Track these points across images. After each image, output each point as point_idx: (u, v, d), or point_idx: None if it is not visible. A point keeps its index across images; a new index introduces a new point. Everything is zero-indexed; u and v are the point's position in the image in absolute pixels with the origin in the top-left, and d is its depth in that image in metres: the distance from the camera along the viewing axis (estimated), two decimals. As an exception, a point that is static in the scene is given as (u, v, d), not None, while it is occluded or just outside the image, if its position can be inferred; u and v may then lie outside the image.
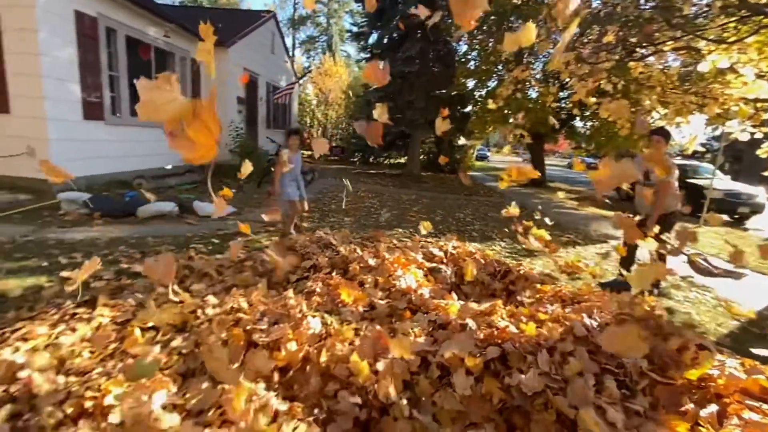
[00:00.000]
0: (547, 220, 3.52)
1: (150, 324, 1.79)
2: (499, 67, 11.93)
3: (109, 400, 1.31)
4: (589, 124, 13.72)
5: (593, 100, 4.28)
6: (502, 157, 43.57)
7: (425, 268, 2.67)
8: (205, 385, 1.42)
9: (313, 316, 1.82)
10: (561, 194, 12.39)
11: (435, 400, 1.40)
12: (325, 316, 1.89)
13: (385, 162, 18.94)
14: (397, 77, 13.02)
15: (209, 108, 0.91)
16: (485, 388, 1.41)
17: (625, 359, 1.41)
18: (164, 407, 1.31)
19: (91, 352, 1.61)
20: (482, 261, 2.82)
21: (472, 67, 12.93)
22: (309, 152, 11.83)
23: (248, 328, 1.74)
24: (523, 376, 1.34)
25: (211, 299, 2.02)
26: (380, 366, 1.49)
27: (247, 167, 1.76)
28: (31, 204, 4.91)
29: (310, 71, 18.45)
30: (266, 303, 2.00)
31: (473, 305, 1.93)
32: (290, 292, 2.16)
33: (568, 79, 4.29)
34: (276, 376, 1.54)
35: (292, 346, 1.62)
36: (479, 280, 2.60)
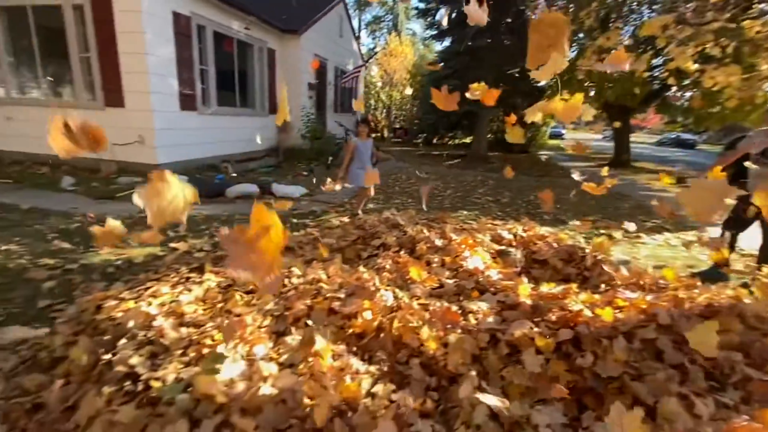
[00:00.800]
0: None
1: (249, 288, 2.07)
2: (580, 36, 10.83)
3: (221, 349, 1.58)
4: (688, 94, 11.97)
5: (695, 67, 3.75)
6: (580, 135, 39.94)
7: (493, 251, 2.67)
8: (295, 342, 1.63)
9: (386, 290, 1.96)
10: (666, 179, 11.11)
11: (503, 375, 1.45)
12: (396, 290, 2.01)
13: (450, 142, 18.53)
14: (465, 53, 12.54)
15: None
16: (554, 368, 1.43)
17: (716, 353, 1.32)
18: (263, 358, 1.55)
19: (204, 310, 1.92)
20: (555, 245, 2.73)
21: (549, 38, 11.92)
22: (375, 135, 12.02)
23: (328, 296, 1.94)
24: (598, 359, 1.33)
25: (295, 270, 2.26)
26: (450, 339, 1.58)
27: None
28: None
29: (376, 53, 18.51)
30: (342, 276, 2.19)
31: (545, 288, 1.92)
32: (362, 268, 2.33)
33: (664, 45, 3.78)
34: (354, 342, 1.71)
35: (368, 315, 1.77)
36: (551, 264, 2.53)
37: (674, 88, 11.44)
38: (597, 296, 1.86)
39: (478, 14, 1.18)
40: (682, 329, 1.35)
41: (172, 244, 3.51)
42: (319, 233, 3.41)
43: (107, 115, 6.28)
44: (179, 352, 1.57)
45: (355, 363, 1.51)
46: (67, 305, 2.38)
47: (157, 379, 1.39)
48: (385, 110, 20.38)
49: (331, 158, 8.95)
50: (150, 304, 1.89)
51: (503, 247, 2.77)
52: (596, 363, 1.35)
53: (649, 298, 1.66)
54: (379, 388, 1.39)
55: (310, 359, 1.51)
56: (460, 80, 12.58)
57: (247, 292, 2.12)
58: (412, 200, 6.18)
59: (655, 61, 10.04)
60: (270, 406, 1.21)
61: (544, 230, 3.25)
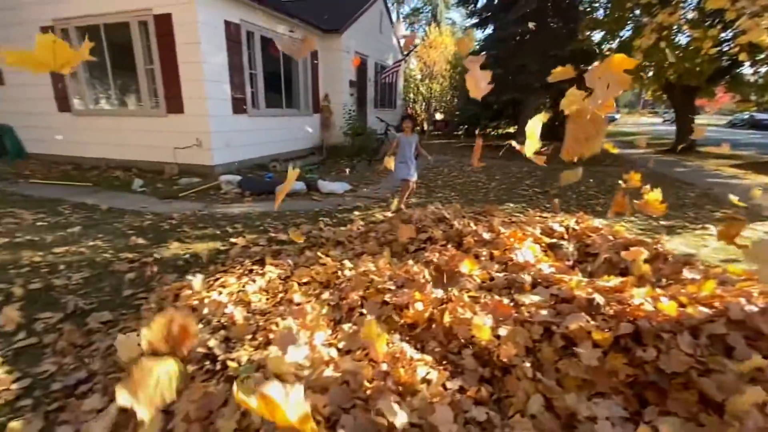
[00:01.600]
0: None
1: (304, 280, 2.21)
2: (637, 13, 10.05)
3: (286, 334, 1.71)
4: (763, 69, 10.71)
5: (773, 39, 3.37)
6: (636, 119, 37.08)
7: (543, 244, 2.62)
8: (351, 330, 1.73)
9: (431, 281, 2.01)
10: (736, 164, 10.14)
11: (559, 367, 1.45)
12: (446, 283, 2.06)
13: (493, 133, 18.00)
14: (508, 40, 12.10)
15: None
16: (612, 362, 1.41)
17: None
18: (323, 344, 1.67)
19: (267, 299, 2.09)
20: (610, 237, 2.62)
21: (601, 17, 11.17)
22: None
23: (380, 287, 2.03)
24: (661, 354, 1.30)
25: (347, 263, 2.37)
26: (502, 331, 1.60)
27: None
28: (201, 185, 6.22)
29: (415, 46, 18.36)
30: (391, 269, 2.27)
31: (601, 282, 1.87)
32: (411, 261, 2.39)
33: (734, 18, 3.44)
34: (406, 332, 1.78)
35: (419, 306, 1.83)
36: (607, 257, 2.44)
37: (747, 64, 10.30)
38: (658, 290, 1.78)
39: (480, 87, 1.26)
40: (759, 325, 1.27)
41: (232, 239, 3.79)
42: (366, 228, 3.52)
43: (169, 121, 6.83)
44: (249, 336, 1.73)
45: (409, 351, 1.58)
46: (147, 294, 2.68)
47: (232, 359, 1.56)
48: (424, 103, 20.19)
49: (370, 158, 9.10)
50: (220, 293, 2.09)
51: (554, 240, 2.70)
52: (659, 357, 1.31)
53: (718, 292, 1.57)
54: (433, 376, 1.45)
55: (367, 346, 1.61)
56: (504, 68, 12.19)
57: (304, 283, 2.26)
58: (456, 194, 6.13)
59: (724, 35, 9.07)
60: (335, 387, 1.31)
61: (597, 222, 3.12)
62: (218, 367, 1.56)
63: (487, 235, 2.66)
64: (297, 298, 2.08)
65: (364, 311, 1.93)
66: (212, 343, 1.68)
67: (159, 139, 6.99)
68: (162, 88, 6.69)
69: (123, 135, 7.30)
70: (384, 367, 1.48)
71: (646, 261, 2.45)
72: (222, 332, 1.82)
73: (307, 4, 11.79)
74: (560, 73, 1.48)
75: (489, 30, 14.21)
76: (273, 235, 3.97)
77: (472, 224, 2.90)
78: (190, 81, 6.48)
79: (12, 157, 8.13)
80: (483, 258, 2.45)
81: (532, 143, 1.38)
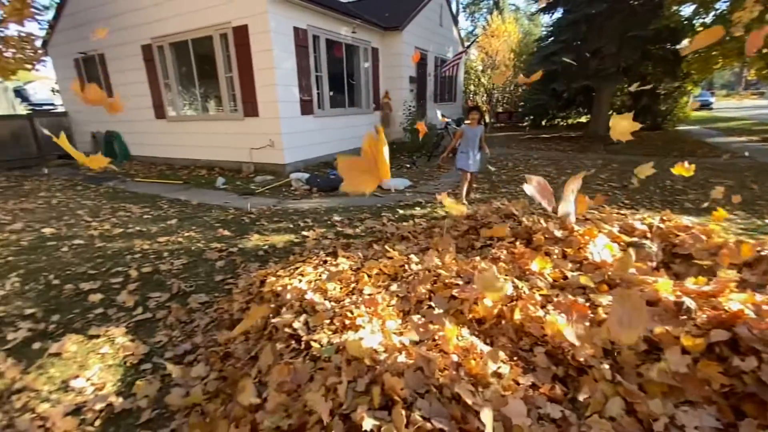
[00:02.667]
0: None
1: (374, 272, 2.34)
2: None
3: (359, 321, 1.84)
4: None
5: None
6: (736, 103, 32.26)
7: (623, 243, 2.46)
8: (421, 321, 1.81)
9: (504, 279, 2.00)
10: None
11: (641, 372, 1.39)
12: (515, 280, 2.04)
13: (561, 123, 16.87)
14: (580, 23, 11.26)
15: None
16: (704, 370, 1.31)
17: None
18: (394, 333, 1.76)
19: (341, 288, 2.24)
20: (703, 237, 2.38)
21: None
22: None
23: (447, 282, 2.07)
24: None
25: (413, 257, 2.45)
26: (578, 330, 1.56)
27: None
28: (274, 183, 6.72)
29: (476, 37, 17.79)
30: (458, 264, 2.30)
31: (692, 285, 1.73)
32: (478, 258, 2.40)
33: None
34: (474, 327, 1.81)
35: (488, 302, 1.85)
36: (697, 258, 2.23)
37: None
38: (760, 297, 1.60)
39: None
40: None
41: (304, 233, 4.08)
42: (429, 223, 3.57)
43: (246, 124, 7.46)
44: (327, 321, 1.89)
45: (480, 345, 1.61)
46: (236, 279, 3.01)
47: (315, 341, 1.72)
48: (486, 94, 19.53)
49: (429, 154, 9.08)
50: (300, 281, 2.29)
51: (635, 239, 2.52)
52: (761, 368, 1.20)
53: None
54: (505, 370, 1.47)
55: (437, 337, 1.67)
56: (575, 53, 11.36)
57: (374, 275, 2.39)
58: (522, 189, 5.90)
59: None
60: (409, 372, 1.40)
61: (687, 220, 2.83)
62: (302, 346, 1.74)
63: (558, 233, 2.57)
64: (367, 289, 2.20)
65: (432, 304, 1.99)
66: (296, 325, 1.86)
67: (237, 140, 7.67)
68: (240, 94, 7.31)
69: (207, 138, 8.12)
70: (455, 358, 1.53)
71: (746, 264, 2.20)
72: (304, 316, 2.00)
73: (368, 4, 12.02)
74: (705, 36, 1.23)
75: (558, 14, 13.28)
76: (340, 229, 4.19)
77: (542, 221, 2.81)
78: (264, 86, 7.01)
79: (120, 159, 9.47)
80: (555, 256, 2.37)
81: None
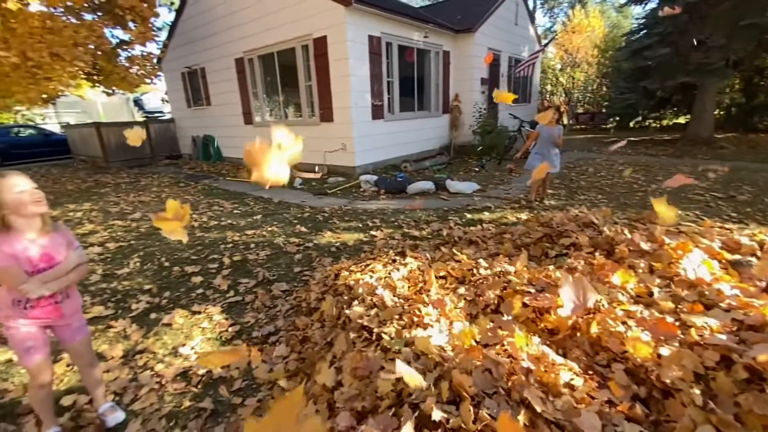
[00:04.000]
0: None
1: (441, 274, 2.39)
2: None
3: (426, 320, 1.91)
4: None
5: None
6: None
7: (724, 260, 2.19)
8: (489, 326, 1.82)
9: (582, 289, 1.92)
10: None
11: (739, 401, 1.26)
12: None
13: (654, 125, 15.16)
14: (681, 12, 10.02)
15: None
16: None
17: None
18: (462, 334, 1.80)
19: (409, 287, 2.33)
20: (833, 259, 2.02)
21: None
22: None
23: (518, 289, 2.05)
24: None
25: (482, 262, 2.45)
26: (664, 351, 1.46)
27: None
28: (345, 184, 7.06)
29: (555, 34, 16.77)
30: (530, 272, 2.25)
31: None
32: (552, 266, 2.32)
33: None
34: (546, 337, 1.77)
35: (561, 312, 1.79)
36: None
37: None
38: None
39: None
40: None
41: (372, 232, 4.26)
42: (499, 229, 3.50)
43: (321, 128, 7.95)
44: (396, 316, 1.99)
45: (552, 354, 1.58)
46: (312, 272, 3.27)
47: (385, 333, 1.83)
48: (565, 94, 18.29)
49: (500, 157, 8.80)
50: (371, 277, 2.43)
51: (739, 257, 2.23)
52: None
53: None
54: (578, 382, 1.43)
55: (506, 342, 1.67)
56: (673, 47, 10.18)
57: (441, 277, 2.44)
58: (604, 196, 5.47)
59: None
60: (477, 373, 1.43)
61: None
62: (373, 337, 1.85)
63: (646, 245, 2.37)
64: (434, 290, 2.26)
65: (501, 310, 1.98)
66: (367, 317, 1.99)
67: (313, 144, 8.20)
68: (317, 101, 7.82)
69: (286, 141, 8.80)
70: (525, 364, 1.52)
71: None
72: (374, 310, 2.13)
73: (440, 7, 12.01)
74: None
75: (652, 3, 11.98)
76: (406, 230, 4.29)
77: (626, 232, 2.62)
78: (339, 93, 7.41)
79: (214, 160, 10.69)
80: (640, 270, 2.20)
81: None
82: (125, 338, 2.49)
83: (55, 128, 17.13)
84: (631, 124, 14.79)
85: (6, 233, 1.47)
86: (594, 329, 1.69)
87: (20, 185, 1.46)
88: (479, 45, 9.94)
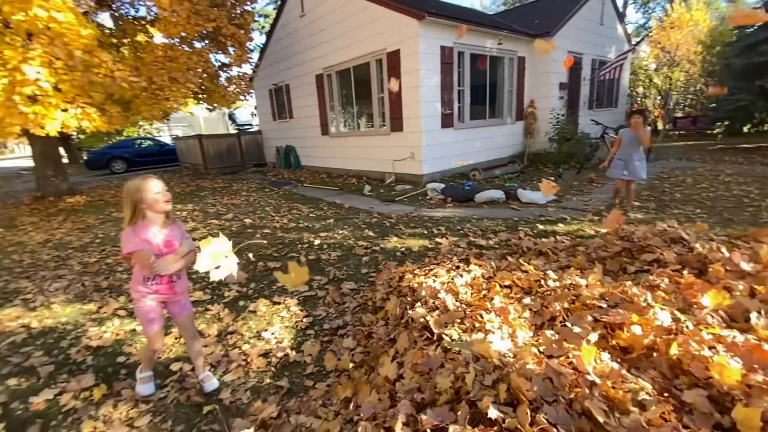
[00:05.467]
0: None
1: (506, 283, 2.38)
2: None
3: (488, 326, 1.93)
4: None
5: None
6: None
7: None
8: (554, 337, 1.79)
9: (661, 309, 1.79)
10: None
11: None
12: (676, 312, 1.80)
13: (774, 130, 12.85)
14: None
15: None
16: None
17: None
18: (525, 343, 1.79)
19: (472, 293, 2.36)
20: None
21: None
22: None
23: (588, 303, 1.97)
24: None
25: (551, 273, 2.38)
26: (758, 378, 1.32)
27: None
28: (412, 192, 7.21)
29: (649, 31, 15.20)
30: (604, 286, 2.14)
31: None
32: (629, 282, 2.18)
33: None
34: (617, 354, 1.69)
35: (637, 330, 1.70)
36: None
37: None
38: None
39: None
40: None
41: (437, 239, 4.32)
42: (573, 241, 3.33)
43: (391, 138, 8.23)
44: (458, 320, 2.04)
45: (622, 371, 1.51)
46: (377, 274, 3.44)
47: (446, 334, 1.89)
48: (660, 97, 16.41)
49: (580, 166, 8.22)
50: (434, 281, 2.51)
51: None
52: None
53: None
54: (650, 402, 1.36)
55: (572, 355, 1.63)
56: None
57: (506, 286, 2.42)
58: (703, 211, 4.85)
59: None
60: (537, 380, 1.44)
61: None
62: (434, 338, 1.93)
63: (747, 266, 2.10)
64: (498, 298, 2.26)
65: (568, 324, 1.92)
66: (429, 318, 2.08)
67: (382, 153, 8.52)
68: (388, 111, 8.13)
69: (358, 150, 9.28)
70: (591, 377, 1.48)
71: None
72: (436, 312, 2.20)
73: (515, 13, 11.67)
74: None
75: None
76: (472, 239, 4.27)
77: (723, 250, 2.34)
78: (409, 104, 7.63)
79: (294, 168, 11.62)
80: (738, 293, 1.96)
81: None
82: (219, 320, 2.89)
83: (167, 139, 20.14)
84: (745, 129, 12.69)
85: (141, 224, 1.86)
86: (674, 350, 1.57)
87: (157, 187, 1.84)
88: (558, 49, 9.46)
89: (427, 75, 7.41)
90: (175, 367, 2.36)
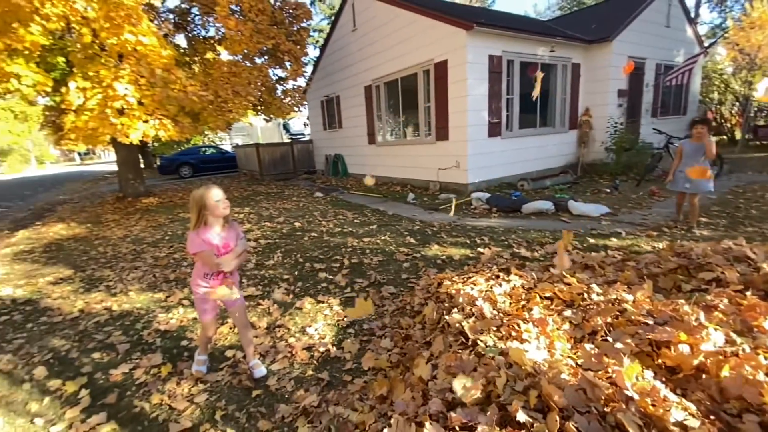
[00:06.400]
0: None
1: (546, 294, 2.35)
2: None
3: (525, 336, 1.93)
4: None
5: None
6: None
7: None
8: (594, 351, 1.75)
9: (716, 329, 1.69)
10: None
11: None
12: (732, 334, 1.69)
13: None
14: None
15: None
16: None
17: None
18: (562, 354, 1.78)
19: (510, 303, 2.36)
20: None
21: None
22: (716, 138, 9.13)
23: (633, 318, 1.90)
24: None
25: (595, 287, 2.32)
26: (820, 408, 1.22)
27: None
28: (456, 200, 7.18)
29: (724, 31, 13.86)
30: (652, 304, 2.05)
31: None
32: (682, 300, 2.06)
33: None
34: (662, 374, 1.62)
35: (685, 349, 1.62)
36: None
37: None
38: None
39: None
40: None
41: (479, 249, 4.29)
42: (624, 256, 3.18)
43: (436, 147, 8.28)
44: (494, 328, 2.06)
45: (664, 390, 1.46)
46: (417, 279, 3.52)
47: (481, 340, 1.93)
48: (737, 103, 14.84)
49: (640, 177, 7.70)
50: (472, 288, 2.54)
51: None
52: None
53: None
54: (693, 424, 1.31)
55: (611, 370, 1.60)
56: None
57: (546, 298, 2.39)
58: (780, 229, 4.36)
59: None
60: (570, 390, 1.44)
61: None
62: (469, 343, 1.97)
63: (823, 290, 1.91)
64: (537, 308, 2.24)
65: (609, 339, 1.87)
66: (465, 324, 2.12)
67: (427, 161, 8.59)
68: (434, 121, 8.20)
69: (403, 159, 9.42)
70: (628, 393, 1.45)
71: None
72: (473, 319, 2.24)
73: (570, 18, 11.24)
74: None
75: None
76: (516, 250, 4.19)
77: (796, 271, 2.14)
78: (456, 113, 7.65)
79: (341, 175, 12.05)
80: (811, 318, 1.79)
81: None
82: (268, 314, 3.13)
83: (228, 147, 21.77)
84: None
85: (204, 227, 2.10)
86: (725, 373, 1.49)
87: (218, 195, 2.08)
88: (617, 54, 8.99)
89: (474, 84, 7.40)
90: (229, 353, 2.60)
